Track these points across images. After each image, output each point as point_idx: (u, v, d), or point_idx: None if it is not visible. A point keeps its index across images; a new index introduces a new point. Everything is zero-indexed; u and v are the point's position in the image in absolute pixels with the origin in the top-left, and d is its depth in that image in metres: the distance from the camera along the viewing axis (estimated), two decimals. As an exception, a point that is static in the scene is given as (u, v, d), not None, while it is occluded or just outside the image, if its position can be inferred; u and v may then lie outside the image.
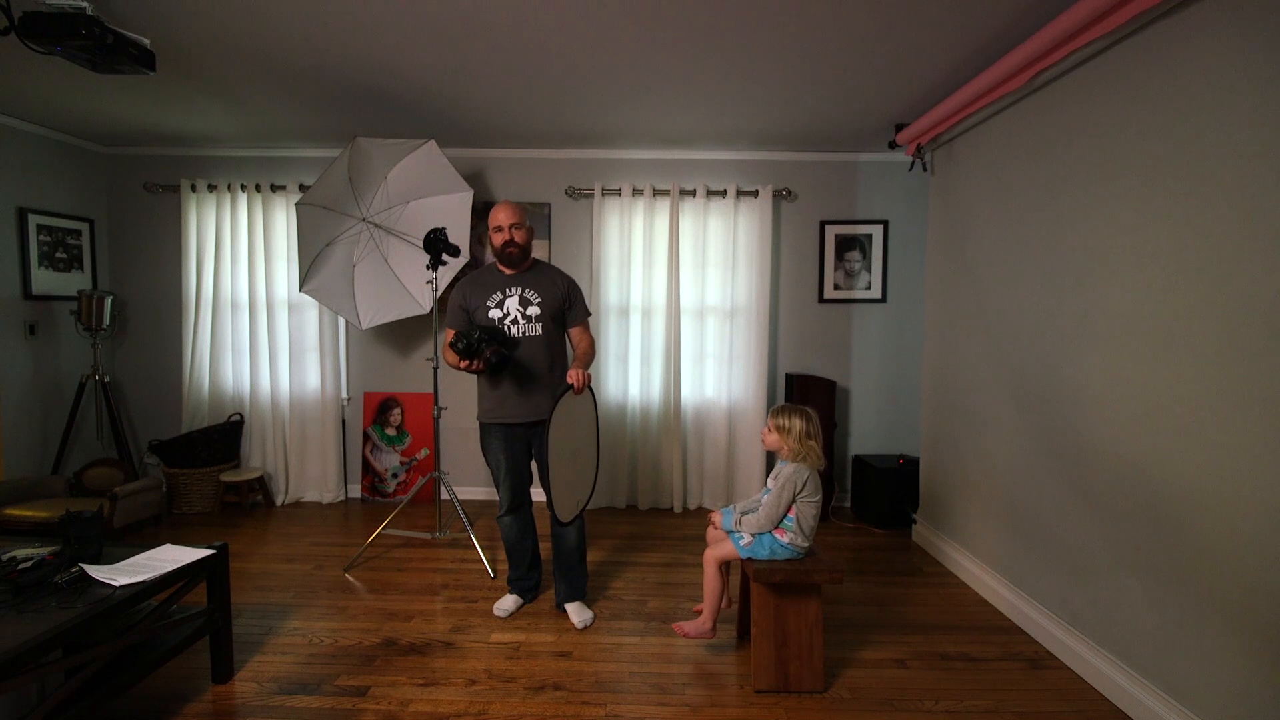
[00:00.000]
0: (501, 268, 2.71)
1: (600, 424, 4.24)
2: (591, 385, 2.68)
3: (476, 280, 2.72)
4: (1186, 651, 1.92)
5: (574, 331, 2.77)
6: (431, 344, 3.47)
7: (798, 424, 2.29)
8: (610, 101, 3.34)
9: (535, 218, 4.33)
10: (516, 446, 2.70)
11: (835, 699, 2.22)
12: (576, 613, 2.73)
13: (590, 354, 2.73)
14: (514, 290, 2.65)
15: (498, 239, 2.64)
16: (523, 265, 2.70)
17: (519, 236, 2.63)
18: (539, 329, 2.64)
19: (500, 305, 2.64)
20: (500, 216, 2.62)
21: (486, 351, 2.47)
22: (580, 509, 2.66)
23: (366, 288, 3.93)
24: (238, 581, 3.04)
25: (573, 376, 2.46)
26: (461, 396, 4.42)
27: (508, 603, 2.84)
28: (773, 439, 2.34)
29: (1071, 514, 2.44)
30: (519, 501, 2.77)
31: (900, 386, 4.35)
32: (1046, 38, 2.26)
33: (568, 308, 2.73)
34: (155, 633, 2.03)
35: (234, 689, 2.24)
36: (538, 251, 4.34)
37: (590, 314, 2.84)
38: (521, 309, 2.64)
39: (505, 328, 2.62)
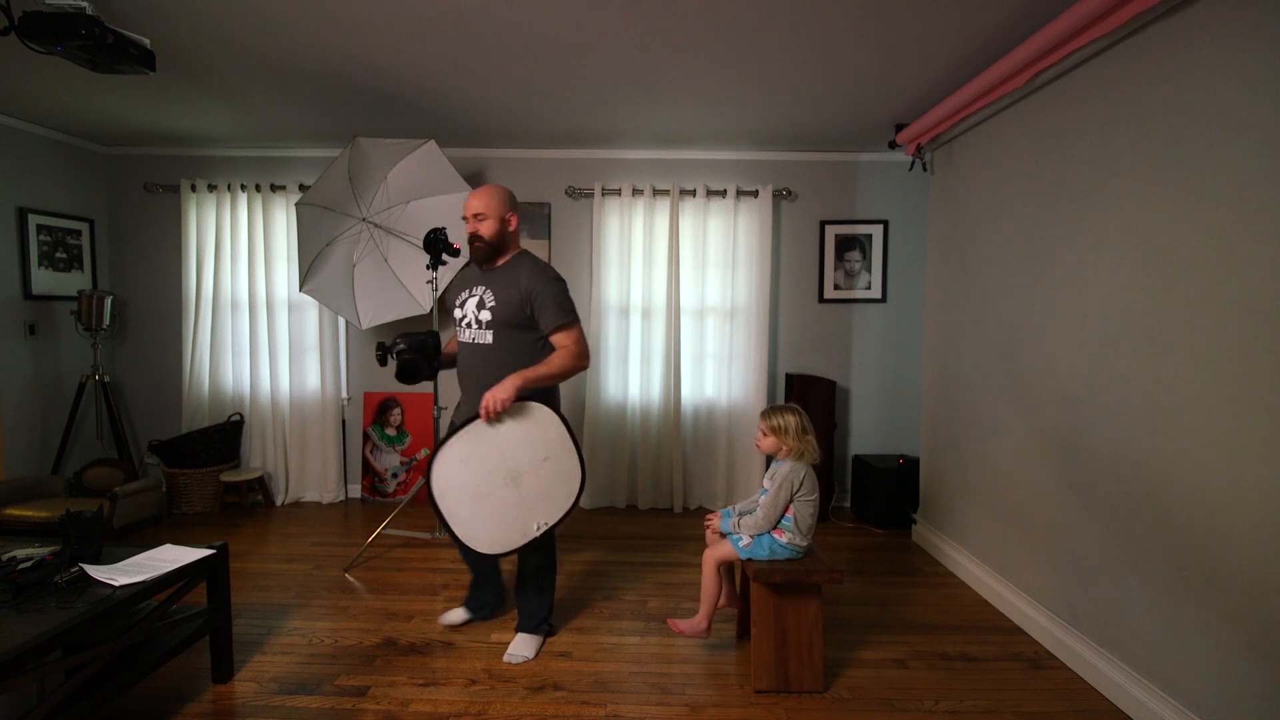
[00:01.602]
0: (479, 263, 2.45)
1: (600, 425, 4.27)
2: (559, 398, 2.43)
3: (459, 278, 2.53)
4: (1186, 651, 1.92)
5: (553, 340, 2.35)
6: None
7: (792, 421, 2.29)
8: (610, 101, 3.34)
9: (535, 218, 4.34)
10: None
11: (835, 699, 2.22)
12: (514, 644, 2.49)
13: (557, 369, 2.28)
14: (477, 290, 2.38)
15: (466, 230, 2.38)
16: (495, 262, 2.41)
17: (484, 229, 2.34)
18: (489, 336, 2.34)
19: (462, 306, 2.40)
20: (467, 204, 2.35)
21: (390, 358, 2.37)
22: (532, 538, 2.26)
23: (366, 287, 3.93)
24: (238, 581, 3.04)
25: (484, 401, 2.15)
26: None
27: (455, 614, 2.69)
28: (769, 442, 2.33)
29: (1071, 513, 2.44)
30: None
31: (900, 386, 4.35)
32: (1046, 38, 2.26)
33: (532, 312, 2.32)
34: (155, 633, 2.03)
35: (234, 689, 2.24)
36: (537, 251, 4.34)
37: (570, 319, 2.34)
38: (476, 312, 2.36)
39: (460, 331, 2.42)
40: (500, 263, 2.42)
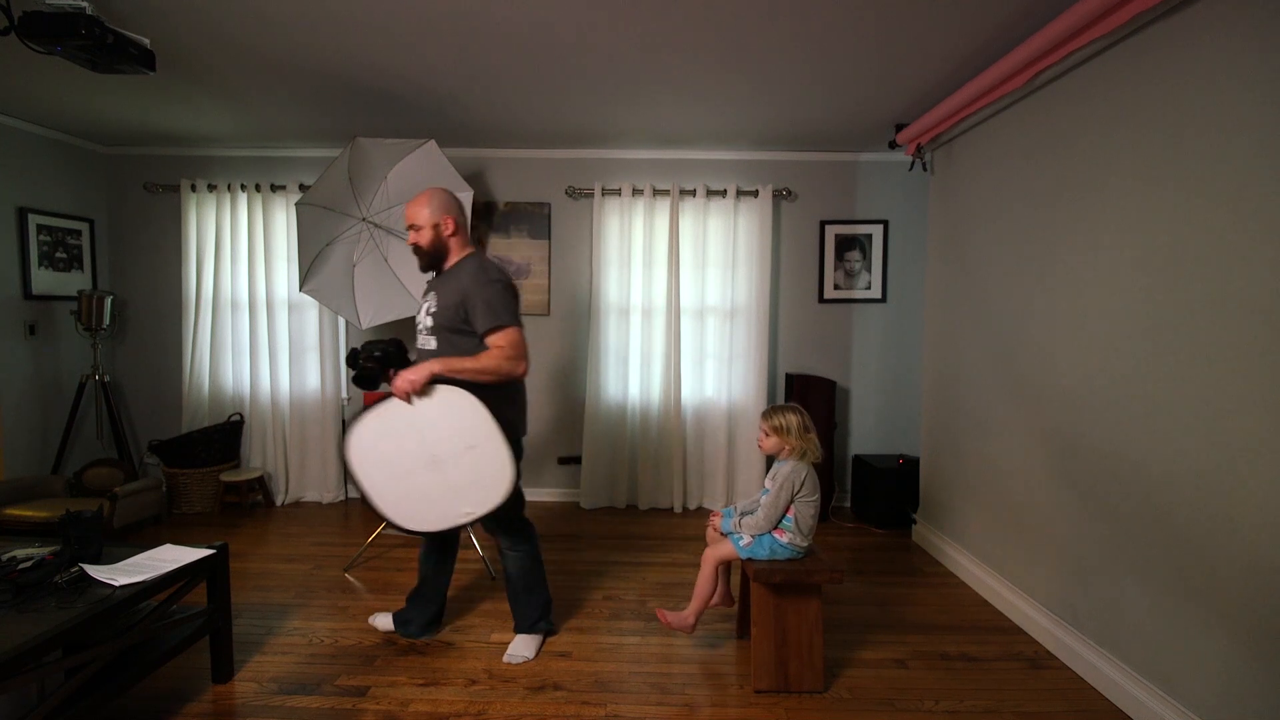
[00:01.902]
0: None
1: (600, 425, 4.26)
2: (518, 404, 2.37)
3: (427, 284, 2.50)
4: (1186, 651, 1.92)
5: (487, 343, 2.25)
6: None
7: (793, 420, 2.30)
8: (610, 101, 3.34)
9: (535, 218, 4.34)
10: None
11: (835, 699, 2.22)
12: (513, 645, 2.49)
13: (482, 365, 2.20)
14: (429, 296, 2.38)
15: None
16: (444, 267, 2.40)
17: (420, 240, 2.33)
18: (433, 341, 2.33)
19: (419, 312, 2.42)
20: (405, 214, 2.35)
21: (359, 360, 2.38)
22: (457, 524, 2.23)
23: (366, 287, 3.92)
24: (238, 581, 3.04)
25: (398, 381, 2.17)
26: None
27: (383, 620, 2.63)
28: (771, 442, 2.33)
29: (1071, 514, 2.44)
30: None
31: (900, 386, 4.35)
32: (1046, 38, 2.26)
33: (466, 315, 2.26)
34: (155, 633, 2.03)
35: (234, 689, 2.24)
36: (537, 251, 4.35)
37: (501, 322, 2.23)
38: (424, 317, 2.37)
39: (417, 336, 2.43)
40: (448, 267, 2.39)
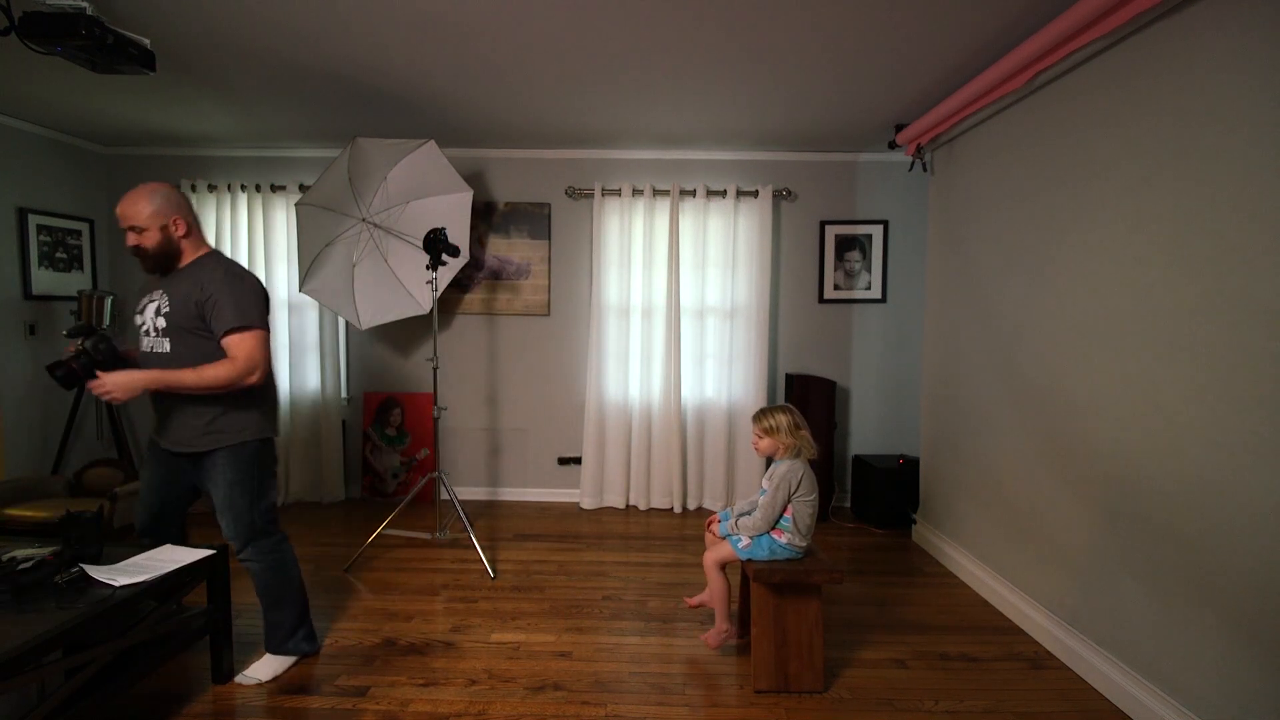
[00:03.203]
0: None
1: (600, 425, 4.26)
2: (266, 422, 2.23)
3: (143, 284, 2.27)
4: (1186, 651, 1.92)
5: (223, 344, 2.10)
6: (432, 344, 3.46)
7: (783, 419, 2.31)
8: (610, 101, 3.34)
9: (535, 218, 4.34)
10: (162, 471, 2.25)
11: (835, 699, 2.22)
12: (256, 663, 2.32)
13: (208, 380, 2.03)
14: (157, 295, 2.15)
15: (128, 243, 2.13)
16: (176, 267, 2.17)
17: (144, 242, 2.10)
18: (167, 344, 2.12)
19: (142, 312, 2.18)
20: (119, 214, 2.09)
21: (71, 358, 2.10)
22: None
23: (366, 288, 3.93)
24: (238, 581, 3.02)
25: (109, 384, 1.96)
26: (462, 397, 4.42)
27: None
28: (765, 443, 2.34)
29: (1071, 513, 2.44)
30: (148, 527, 2.29)
31: (900, 386, 4.35)
32: (1046, 38, 2.26)
33: (208, 316, 2.09)
34: (155, 633, 2.03)
35: (234, 689, 2.24)
36: (537, 251, 4.35)
37: (246, 323, 2.09)
38: (154, 318, 2.14)
39: (141, 340, 2.20)
40: (182, 266, 2.18)
